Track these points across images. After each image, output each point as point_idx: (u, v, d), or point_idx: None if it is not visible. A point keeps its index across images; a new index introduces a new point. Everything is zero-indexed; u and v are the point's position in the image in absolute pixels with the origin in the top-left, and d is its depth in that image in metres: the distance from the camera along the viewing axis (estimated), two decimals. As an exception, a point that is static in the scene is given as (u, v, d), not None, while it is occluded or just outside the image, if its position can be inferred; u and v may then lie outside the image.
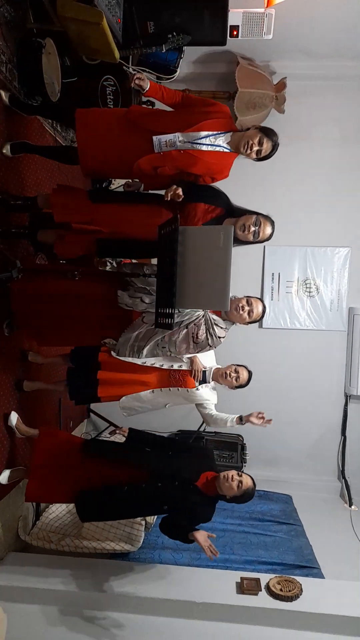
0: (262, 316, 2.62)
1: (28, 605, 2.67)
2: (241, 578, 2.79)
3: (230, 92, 4.17)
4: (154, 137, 2.42)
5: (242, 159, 2.61)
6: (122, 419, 3.46)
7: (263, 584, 2.76)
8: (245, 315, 2.51)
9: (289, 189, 4.45)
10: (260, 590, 2.72)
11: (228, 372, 2.83)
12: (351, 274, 4.49)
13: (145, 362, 2.78)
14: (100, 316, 2.56)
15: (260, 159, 2.52)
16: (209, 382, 2.89)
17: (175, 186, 2.41)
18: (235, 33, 3.64)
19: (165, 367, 2.81)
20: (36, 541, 3.01)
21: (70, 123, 2.77)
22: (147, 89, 2.51)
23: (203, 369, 2.84)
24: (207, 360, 2.92)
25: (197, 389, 2.84)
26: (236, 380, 2.82)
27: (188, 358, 2.83)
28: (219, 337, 2.47)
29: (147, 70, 3.60)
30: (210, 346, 2.47)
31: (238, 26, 3.59)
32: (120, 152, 2.49)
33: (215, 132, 2.45)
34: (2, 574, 2.74)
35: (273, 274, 4.58)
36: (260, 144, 2.44)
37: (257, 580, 2.77)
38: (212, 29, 3.50)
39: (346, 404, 4.49)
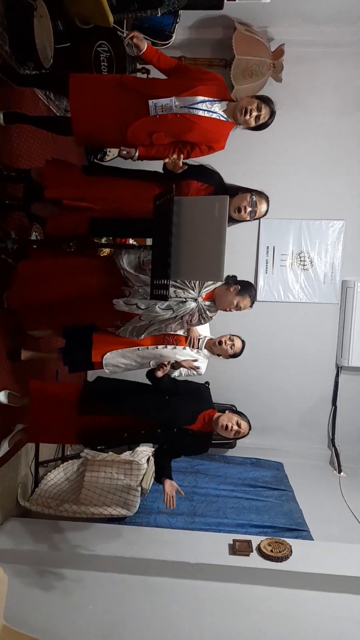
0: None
1: (28, 567, 2.76)
2: (233, 540, 2.90)
3: (227, 59, 4.07)
4: (150, 101, 2.39)
5: (237, 131, 2.58)
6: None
7: (254, 546, 2.87)
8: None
9: (284, 160, 4.40)
10: (252, 552, 2.84)
11: (223, 339, 2.86)
12: (345, 247, 4.50)
13: None
14: (100, 313, 2.63)
15: (258, 127, 2.49)
16: (201, 349, 2.91)
17: (177, 156, 2.39)
18: (232, -4, 3.54)
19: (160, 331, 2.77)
20: (35, 507, 3.10)
21: (63, 91, 2.71)
22: (144, 49, 2.45)
23: (198, 337, 2.87)
24: (202, 330, 2.95)
25: (185, 348, 2.84)
26: (231, 348, 2.84)
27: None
28: (210, 317, 2.59)
29: (142, 35, 3.51)
30: (202, 323, 2.61)
31: (235, -11, 3.49)
32: (115, 117, 2.45)
33: (210, 99, 2.42)
34: (2, 537, 2.82)
35: (268, 247, 4.58)
36: (259, 109, 2.42)
37: (249, 542, 2.88)
38: (208, -8, 3.40)
39: (337, 375, 4.58)
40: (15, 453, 3.04)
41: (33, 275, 2.56)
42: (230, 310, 2.58)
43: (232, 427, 2.53)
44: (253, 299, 2.62)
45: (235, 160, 3.77)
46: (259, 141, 4.23)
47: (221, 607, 2.65)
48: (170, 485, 2.53)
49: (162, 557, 2.79)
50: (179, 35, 4.00)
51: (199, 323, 2.56)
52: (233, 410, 2.71)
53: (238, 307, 2.56)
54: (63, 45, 3.12)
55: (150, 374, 2.66)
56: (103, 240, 3.27)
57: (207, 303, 2.55)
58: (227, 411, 2.63)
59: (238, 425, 2.55)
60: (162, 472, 2.61)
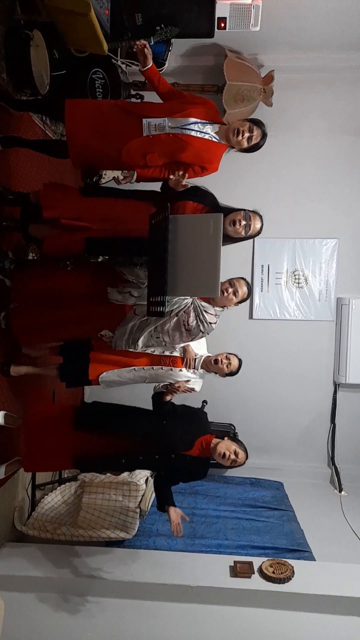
0: (250, 293, 2.70)
1: (25, 594, 2.70)
2: (234, 562, 2.84)
3: (219, 85, 4.20)
4: (144, 120, 2.45)
5: (231, 154, 2.65)
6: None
7: (256, 567, 2.81)
8: (232, 296, 2.61)
9: (277, 181, 4.49)
10: (253, 573, 2.78)
11: (220, 358, 2.83)
12: (339, 264, 4.55)
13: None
14: (95, 314, 2.63)
15: (250, 148, 2.55)
16: (197, 369, 2.90)
17: (182, 173, 2.44)
18: (222, 25, 3.65)
19: (156, 353, 2.78)
20: (32, 531, 3.05)
21: (59, 116, 2.78)
22: (149, 65, 2.53)
23: (194, 357, 2.86)
24: (199, 349, 2.94)
25: (181, 370, 2.82)
26: (227, 366, 2.82)
27: (181, 347, 2.83)
28: (210, 323, 2.56)
29: (135, 62, 3.61)
30: (202, 332, 2.56)
31: (225, 18, 3.60)
32: (110, 138, 2.50)
33: (202, 121, 2.48)
34: (-2, 563, 2.77)
35: (262, 265, 4.63)
36: (250, 130, 2.49)
37: (250, 564, 2.82)
38: (199, 21, 3.52)
39: (335, 392, 4.57)
40: (11, 477, 3.00)
41: (30, 283, 2.60)
42: (229, 298, 2.57)
43: (229, 456, 2.54)
44: (248, 284, 2.65)
45: (229, 182, 3.85)
46: (252, 162, 4.32)
47: (223, 631, 2.59)
48: (175, 512, 2.53)
49: (161, 581, 2.73)
50: (172, 62, 4.12)
51: (198, 330, 2.52)
52: (232, 437, 2.70)
53: (234, 289, 2.57)
54: (59, 72, 3.20)
55: (157, 397, 2.66)
56: (99, 259, 3.30)
57: (204, 304, 2.55)
58: (226, 438, 2.63)
59: (236, 454, 2.56)
60: (164, 500, 2.60)
